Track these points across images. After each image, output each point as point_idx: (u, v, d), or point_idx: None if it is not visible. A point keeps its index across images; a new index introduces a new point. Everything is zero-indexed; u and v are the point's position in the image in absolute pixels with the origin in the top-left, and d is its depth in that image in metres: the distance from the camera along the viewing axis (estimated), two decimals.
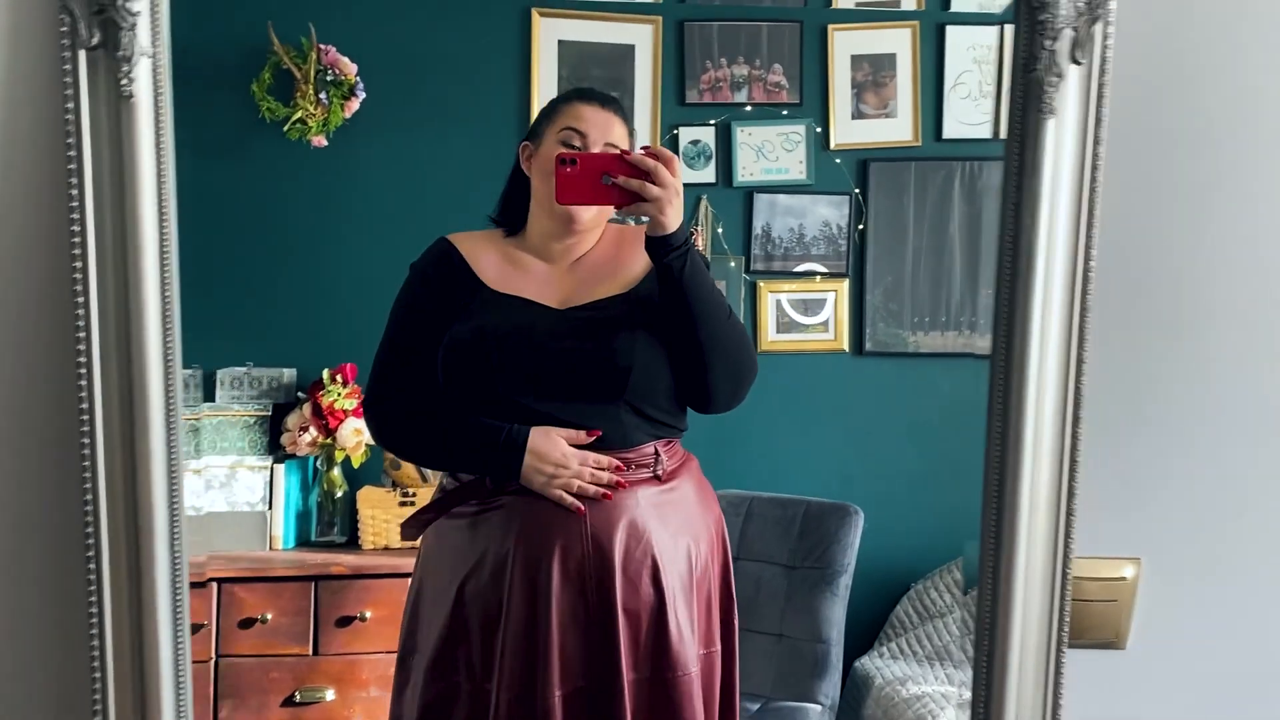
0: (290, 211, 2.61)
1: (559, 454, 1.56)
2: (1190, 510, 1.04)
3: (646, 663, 1.57)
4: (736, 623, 1.71)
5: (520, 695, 1.54)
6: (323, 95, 2.50)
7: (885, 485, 2.62)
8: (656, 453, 1.61)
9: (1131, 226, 0.99)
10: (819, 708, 2.34)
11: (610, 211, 1.67)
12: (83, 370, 0.98)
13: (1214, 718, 1.05)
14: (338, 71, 2.51)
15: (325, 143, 2.55)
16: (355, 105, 2.54)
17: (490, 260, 1.69)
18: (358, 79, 2.53)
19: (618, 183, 1.52)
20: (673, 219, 1.53)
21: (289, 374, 2.57)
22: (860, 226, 2.69)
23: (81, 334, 0.98)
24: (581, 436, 1.58)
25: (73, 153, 0.90)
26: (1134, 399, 1.02)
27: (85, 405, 0.99)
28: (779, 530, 2.52)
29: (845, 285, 2.70)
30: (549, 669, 1.53)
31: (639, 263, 1.64)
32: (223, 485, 2.46)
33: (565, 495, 1.56)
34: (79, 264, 0.97)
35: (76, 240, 0.95)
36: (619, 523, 1.57)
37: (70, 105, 0.89)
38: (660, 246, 1.55)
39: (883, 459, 2.65)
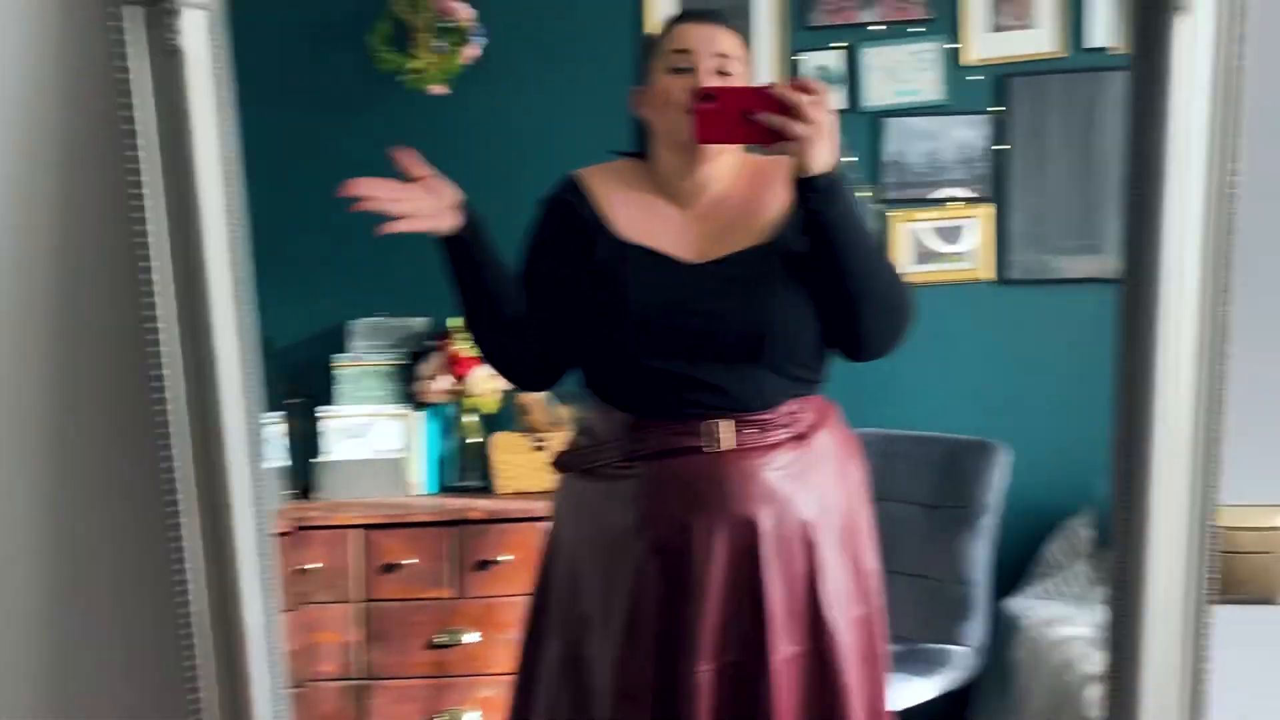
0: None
1: None
2: None
3: (805, 636, 1.51)
4: (881, 577, 1.63)
5: (660, 675, 1.49)
6: (440, 43, 2.49)
7: (1033, 419, 2.49)
8: (796, 410, 1.52)
9: None
10: (965, 650, 2.26)
11: (734, 148, 1.58)
12: (151, 339, 0.98)
13: None
14: (452, 18, 2.49)
15: (446, 91, 2.54)
16: (473, 51, 2.52)
17: (620, 201, 1.58)
18: (473, 24, 2.51)
19: (760, 119, 1.38)
20: (819, 159, 1.39)
21: (420, 322, 2.60)
22: (1002, 147, 2.53)
23: (148, 299, 0.97)
24: None
25: (126, 113, 0.89)
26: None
27: (155, 375, 0.99)
28: (918, 469, 2.44)
29: (987, 210, 2.55)
30: (695, 644, 1.47)
31: (778, 201, 1.53)
32: (362, 433, 2.52)
33: None
34: (139, 228, 0.96)
35: (136, 203, 0.95)
36: (762, 492, 1.49)
37: (120, 63, 0.88)
38: (806, 188, 1.42)
39: (1030, 392, 2.52)
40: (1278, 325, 0.92)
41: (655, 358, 1.50)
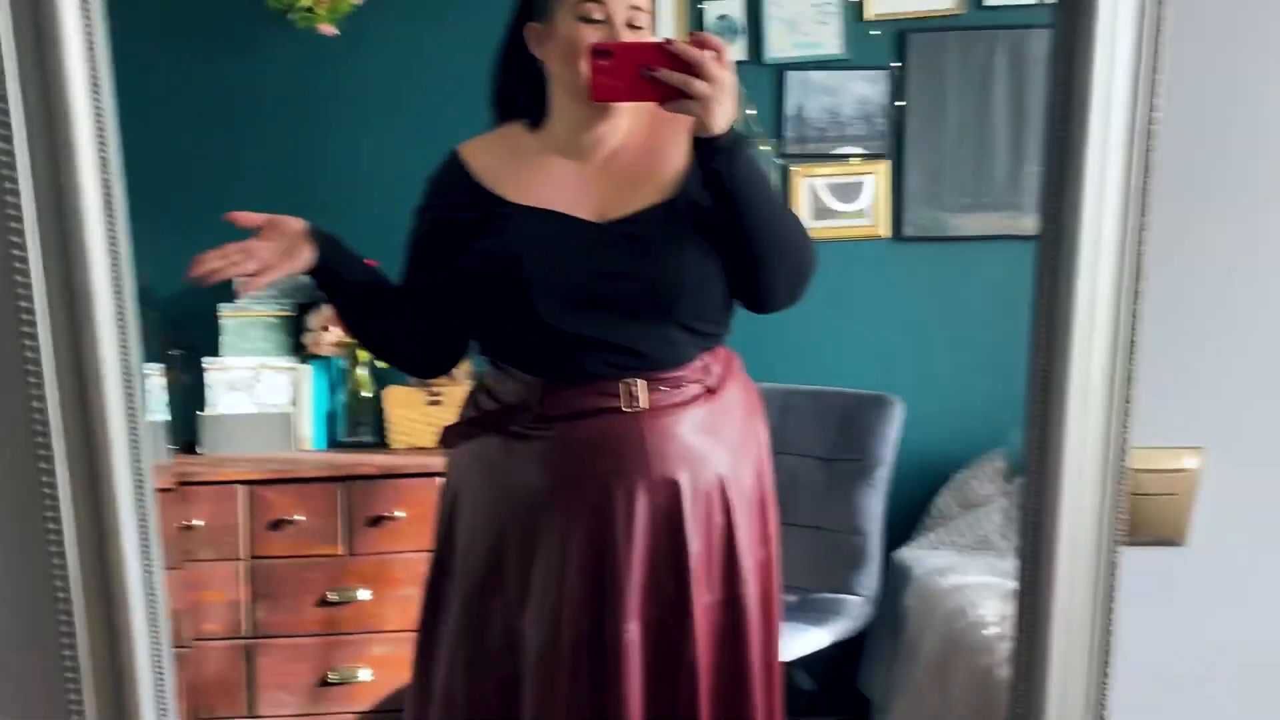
0: (305, 103, 2.52)
1: None
2: (1261, 395, 0.95)
3: (720, 585, 1.51)
4: (779, 521, 1.64)
5: (586, 634, 1.47)
6: None
7: (926, 374, 2.54)
8: (706, 365, 1.51)
9: (1204, 78, 0.88)
10: (858, 599, 2.30)
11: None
12: (22, 282, 0.91)
13: None
14: None
15: (335, 31, 2.44)
16: None
17: (507, 169, 1.52)
18: None
19: (659, 76, 1.33)
20: (720, 118, 1.35)
21: None
22: (899, 103, 2.55)
23: (16, 237, 0.90)
24: None
25: None
26: (1201, 274, 0.92)
27: (27, 320, 0.91)
28: (816, 423, 2.46)
29: (884, 167, 2.57)
30: (623, 602, 1.45)
31: (679, 152, 1.49)
32: (248, 387, 2.42)
33: None
34: (7, 159, 0.89)
35: (5, 133, 0.87)
36: (679, 450, 1.47)
37: None
38: (707, 148, 1.38)
39: (924, 347, 2.57)
40: (1193, 270, 0.93)
41: (563, 320, 1.45)
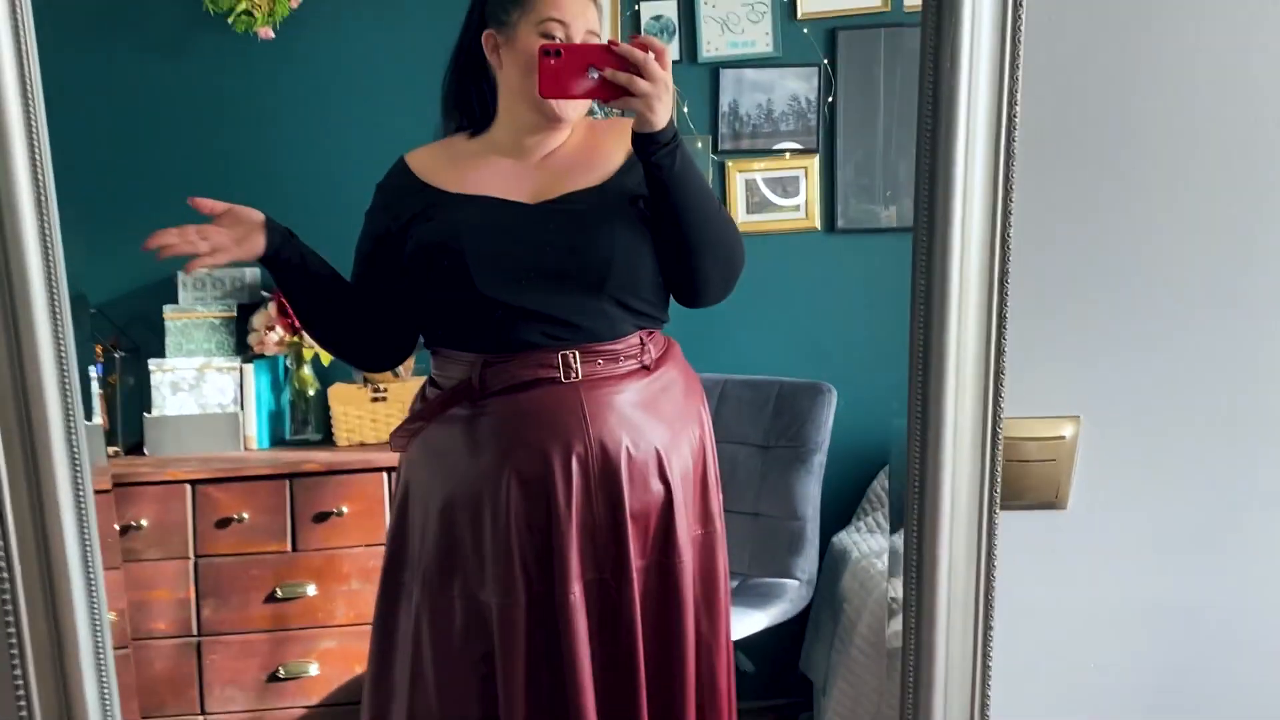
0: (243, 106, 2.54)
1: None
2: (1131, 367, 1.02)
3: (653, 550, 1.57)
4: (721, 503, 1.71)
5: (535, 598, 1.54)
6: None
7: (860, 362, 2.60)
8: (642, 342, 1.58)
9: (1063, 67, 0.95)
10: (796, 582, 2.36)
11: (588, 104, 1.61)
12: None
13: (1157, 575, 1.05)
14: None
15: (272, 35, 2.47)
16: None
17: (448, 168, 1.62)
18: None
19: (604, 76, 1.43)
20: (661, 115, 1.45)
21: (252, 273, 2.53)
22: (830, 99, 2.62)
23: None
24: None
25: None
26: (1072, 253, 0.99)
27: None
28: (753, 411, 2.52)
29: (815, 161, 2.64)
30: (566, 567, 1.52)
31: (616, 155, 1.58)
32: (192, 387, 2.44)
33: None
34: None
35: None
36: (617, 418, 1.54)
37: None
38: (648, 143, 1.47)
39: (857, 337, 2.63)
40: (1063, 249, 0.99)
41: (500, 292, 1.52)
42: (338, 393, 2.49)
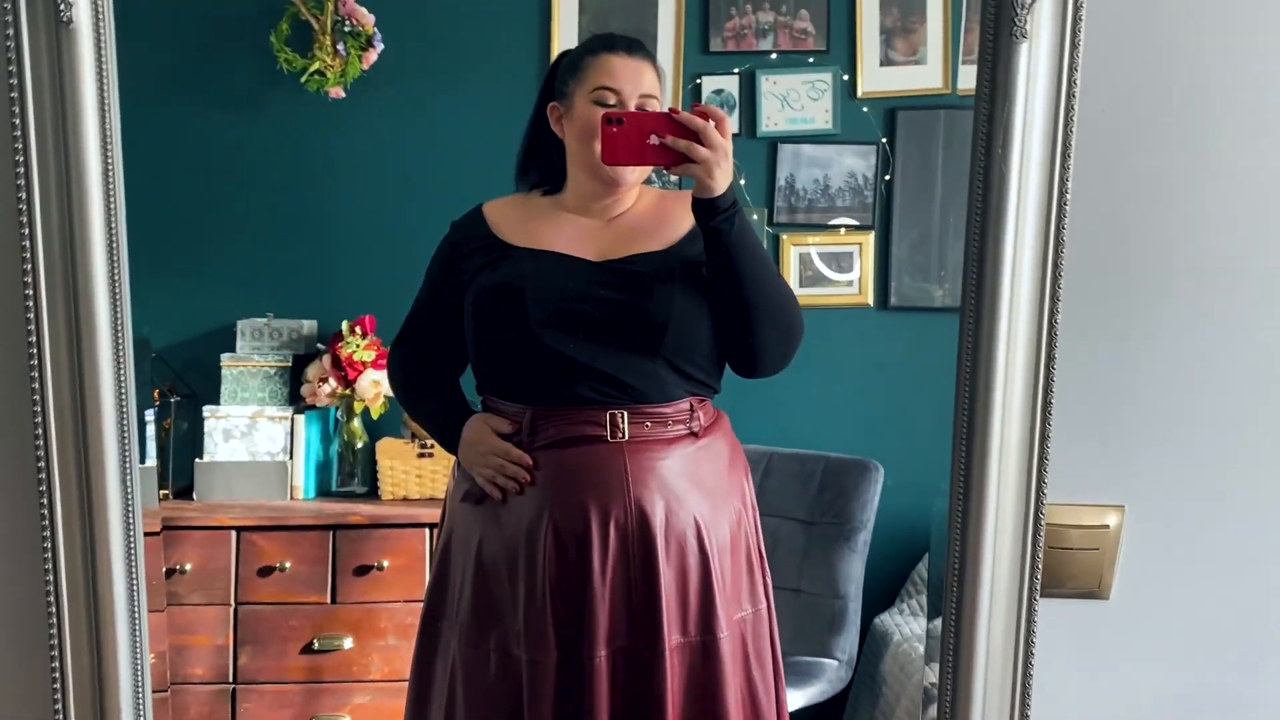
0: (310, 163, 2.61)
1: (486, 444, 1.60)
2: (1177, 458, 1.00)
3: (693, 625, 1.56)
4: (769, 580, 1.70)
5: (564, 658, 1.53)
6: (340, 46, 2.49)
7: (909, 442, 2.57)
8: (692, 409, 1.59)
9: (1115, 159, 0.95)
10: (836, 663, 2.32)
11: (649, 170, 1.66)
12: (31, 329, 0.96)
13: (1200, 670, 1.02)
14: (355, 22, 2.49)
15: (343, 94, 2.54)
16: (373, 56, 2.52)
17: (519, 222, 1.67)
18: (375, 29, 2.52)
19: (665, 143, 1.47)
20: (721, 181, 1.49)
21: (309, 325, 2.58)
22: (887, 177, 2.63)
23: (29, 277, 0.96)
24: (506, 427, 1.59)
25: (14, 81, 0.89)
26: (1121, 341, 0.98)
27: (34, 355, 0.97)
28: (798, 485, 2.50)
29: (871, 238, 2.64)
30: (595, 629, 1.52)
31: (683, 222, 1.61)
32: (244, 435, 2.48)
33: (487, 482, 1.60)
34: (23, 204, 0.95)
35: (20, 172, 0.94)
36: (658, 483, 1.55)
37: (10, 32, 0.87)
38: (707, 209, 1.51)
39: (906, 415, 2.60)
40: (1111, 339, 0.99)
41: (556, 342, 1.55)
42: (385, 447, 2.52)
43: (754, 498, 1.70)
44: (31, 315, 1.00)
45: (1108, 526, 0.98)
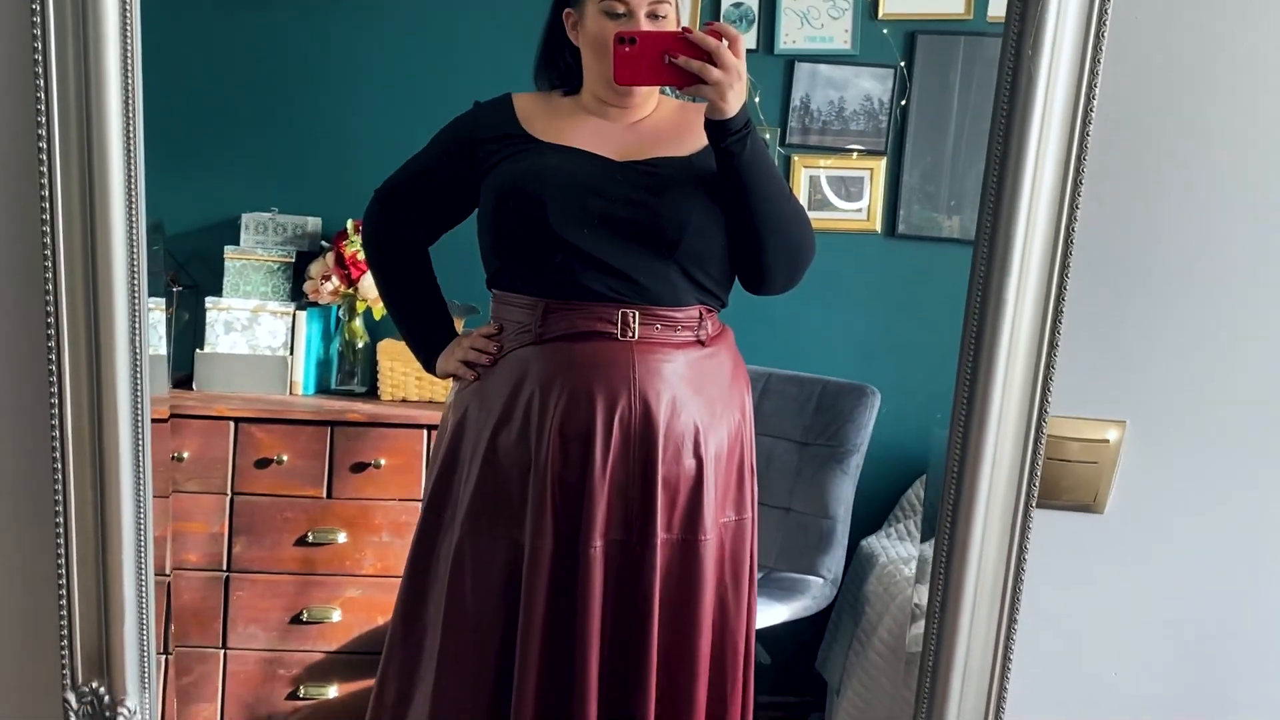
0: (321, 59, 2.57)
1: (459, 344, 1.69)
2: (1180, 377, 1.01)
3: (679, 524, 1.59)
4: (756, 493, 1.73)
5: (562, 545, 1.57)
6: None
7: (907, 371, 2.58)
8: (701, 317, 1.61)
9: (1138, 77, 0.94)
10: (821, 580, 2.36)
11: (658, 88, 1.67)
12: (45, 196, 0.96)
13: (1190, 589, 1.04)
14: None
15: None
16: None
17: (544, 117, 1.68)
18: None
19: (678, 63, 1.46)
20: (733, 103, 1.49)
21: (313, 222, 2.56)
22: (903, 103, 2.60)
23: (43, 154, 0.95)
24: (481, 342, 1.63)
25: None
26: (1131, 259, 0.98)
27: (47, 232, 0.97)
28: (795, 407, 2.51)
29: (882, 164, 2.62)
30: (592, 520, 1.55)
31: (704, 134, 1.60)
32: (245, 328, 2.48)
33: (459, 365, 1.68)
34: (41, 96, 0.94)
35: (38, 58, 0.93)
36: (664, 384, 1.57)
37: None
38: (719, 130, 1.52)
39: (907, 344, 2.61)
40: (1122, 255, 0.99)
41: (572, 235, 1.56)
42: (386, 348, 2.52)
43: (751, 413, 1.72)
44: (46, 194, 1.00)
45: (1108, 441, 0.99)
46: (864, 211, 2.64)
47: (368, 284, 2.47)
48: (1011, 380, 0.90)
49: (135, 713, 0.95)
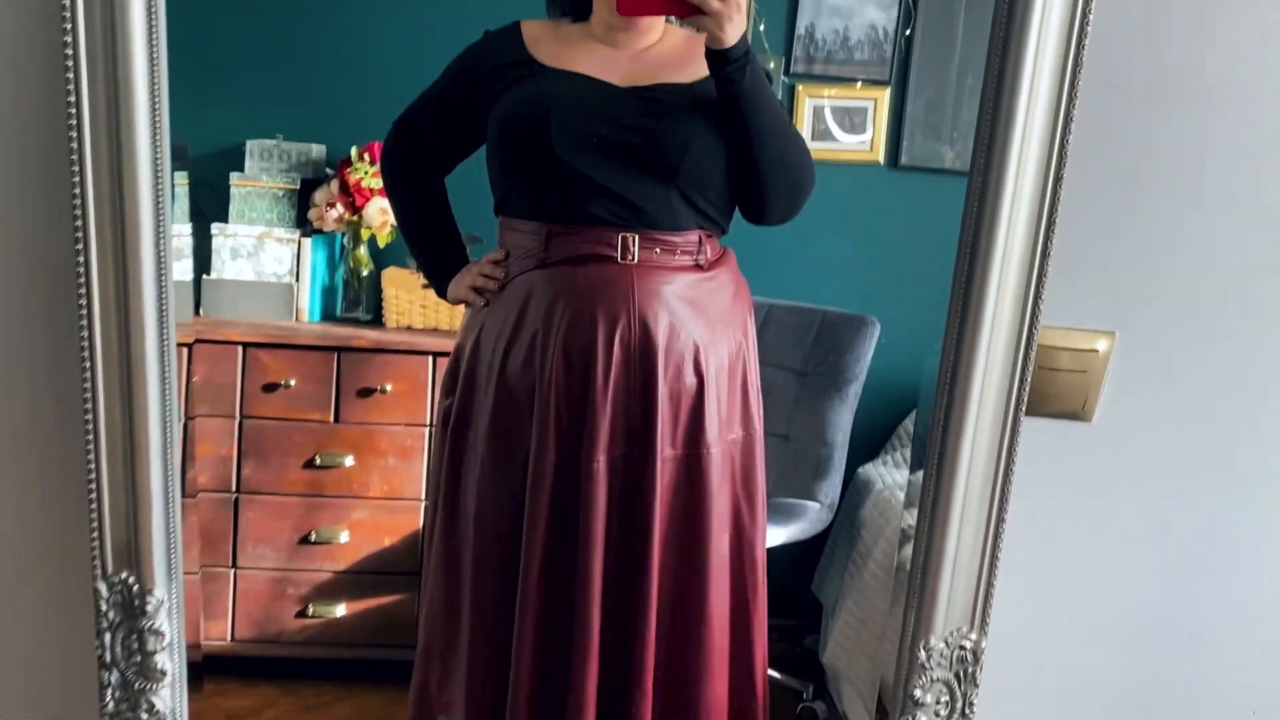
0: None
1: (468, 272, 1.75)
2: (1170, 289, 1.03)
3: (683, 440, 1.64)
4: (762, 411, 1.78)
5: (566, 461, 1.63)
6: None
7: (906, 302, 2.61)
8: (700, 242, 1.64)
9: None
10: (818, 505, 2.40)
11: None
12: (72, 123, 0.98)
13: (1172, 496, 1.07)
14: None
15: None
16: None
17: (551, 43, 1.71)
18: None
19: None
20: (731, 34, 1.52)
21: (318, 149, 2.57)
22: (908, 32, 2.59)
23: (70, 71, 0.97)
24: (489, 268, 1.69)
25: None
26: (1123, 172, 1.00)
27: (75, 164, 0.99)
28: (795, 337, 2.54)
29: (886, 94, 2.62)
30: (595, 436, 1.60)
31: (704, 65, 1.63)
32: (250, 255, 2.50)
33: (468, 291, 1.74)
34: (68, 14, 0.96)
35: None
36: (663, 305, 1.61)
37: None
38: (719, 59, 1.55)
39: (905, 275, 2.63)
40: (1115, 170, 1.01)
41: (575, 159, 1.60)
42: (391, 276, 2.54)
43: (755, 334, 1.76)
44: (74, 124, 1.01)
45: (1097, 351, 1.02)
46: (867, 143, 2.65)
47: (372, 211, 2.49)
48: (1005, 287, 0.93)
49: (163, 601, 1.00)
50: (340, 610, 2.40)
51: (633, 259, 1.60)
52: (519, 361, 1.66)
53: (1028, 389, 0.94)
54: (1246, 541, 1.11)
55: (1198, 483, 1.06)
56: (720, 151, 1.63)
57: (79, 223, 0.99)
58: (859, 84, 2.62)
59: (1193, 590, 1.10)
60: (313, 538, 2.41)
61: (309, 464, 2.40)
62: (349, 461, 2.40)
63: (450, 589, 1.77)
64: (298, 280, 2.53)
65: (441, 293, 1.86)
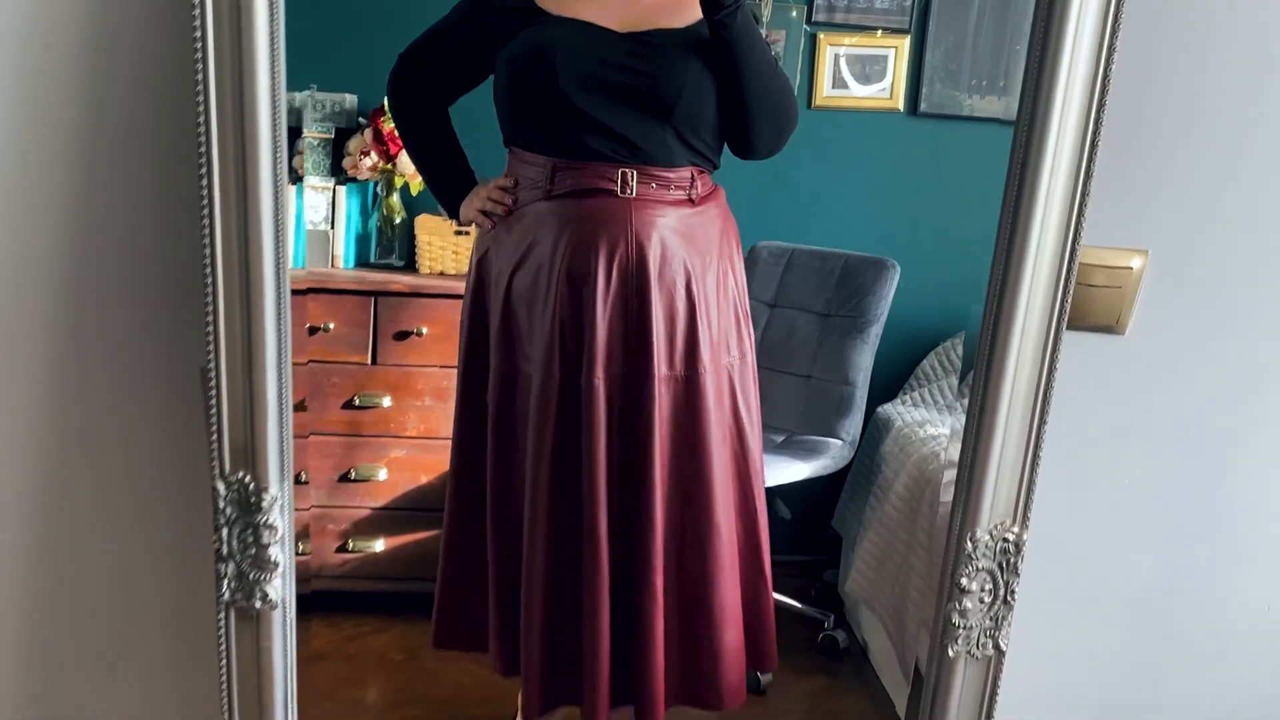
0: None
1: (477, 194, 1.89)
2: (1201, 209, 1.10)
3: (679, 361, 1.74)
4: (753, 338, 1.89)
5: (568, 379, 1.76)
6: None
7: (926, 247, 2.68)
8: (693, 178, 1.78)
9: None
10: (840, 442, 2.49)
11: None
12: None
13: (1202, 400, 1.15)
14: None
15: None
16: None
17: None
18: None
19: None
20: None
21: (350, 99, 2.62)
22: None
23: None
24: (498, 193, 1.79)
25: None
26: (1161, 97, 1.07)
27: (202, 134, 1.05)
28: (817, 280, 2.61)
29: (906, 42, 2.68)
30: (594, 355, 1.71)
31: (698, 7, 1.72)
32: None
33: (477, 214, 1.88)
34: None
35: None
36: (658, 234, 1.75)
37: None
38: (711, 5, 1.65)
39: (926, 220, 2.70)
40: (1158, 93, 1.08)
41: (578, 98, 1.72)
42: (424, 223, 2.60)
43: (742, 266, 1.89)
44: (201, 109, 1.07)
45: (1131, 269, 1.10)
46: (887, 90, 2.70)
47: (405, 160, 2.55)
48: (1051, 206, 1.00)
49: (277, 498, 1.08)
50: (379, 545, 2.49)
51: (631, 193, 1.73)
52: (525, 284, 1.81)
53: (1069, 302, 1.02)
54: (1268, 446, 1.19)
55: (1223, 391, 1.14)
56: (712, 93, 1.75)
57: (202, 151, 1.07)
58: (879, 32, 2.67)
59: (1218, 491, 1.18)
60: (352, 475, 2.50)
61: (348, 404, 2.48)
62: (386, 402, 2.48)
63: (461, 495, 1.93)
64: (333, 228, 2.60)
65: (453, 213, 1.98)
